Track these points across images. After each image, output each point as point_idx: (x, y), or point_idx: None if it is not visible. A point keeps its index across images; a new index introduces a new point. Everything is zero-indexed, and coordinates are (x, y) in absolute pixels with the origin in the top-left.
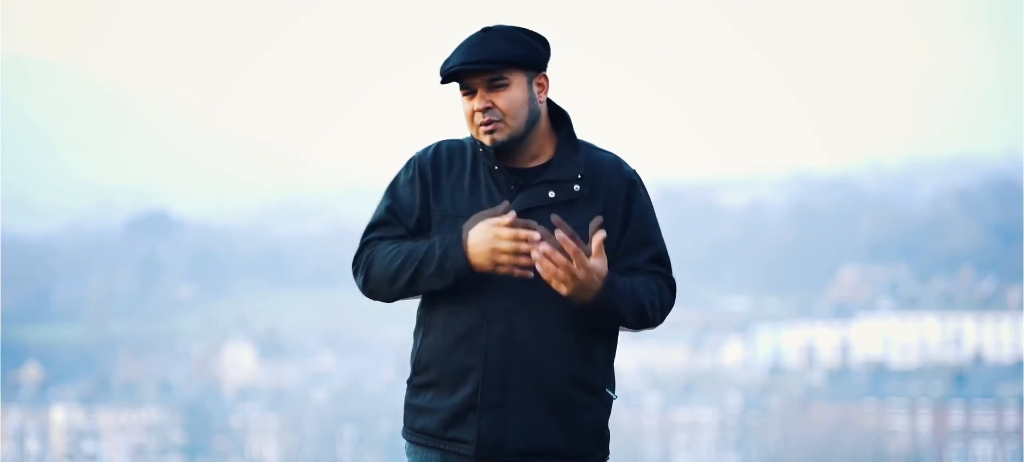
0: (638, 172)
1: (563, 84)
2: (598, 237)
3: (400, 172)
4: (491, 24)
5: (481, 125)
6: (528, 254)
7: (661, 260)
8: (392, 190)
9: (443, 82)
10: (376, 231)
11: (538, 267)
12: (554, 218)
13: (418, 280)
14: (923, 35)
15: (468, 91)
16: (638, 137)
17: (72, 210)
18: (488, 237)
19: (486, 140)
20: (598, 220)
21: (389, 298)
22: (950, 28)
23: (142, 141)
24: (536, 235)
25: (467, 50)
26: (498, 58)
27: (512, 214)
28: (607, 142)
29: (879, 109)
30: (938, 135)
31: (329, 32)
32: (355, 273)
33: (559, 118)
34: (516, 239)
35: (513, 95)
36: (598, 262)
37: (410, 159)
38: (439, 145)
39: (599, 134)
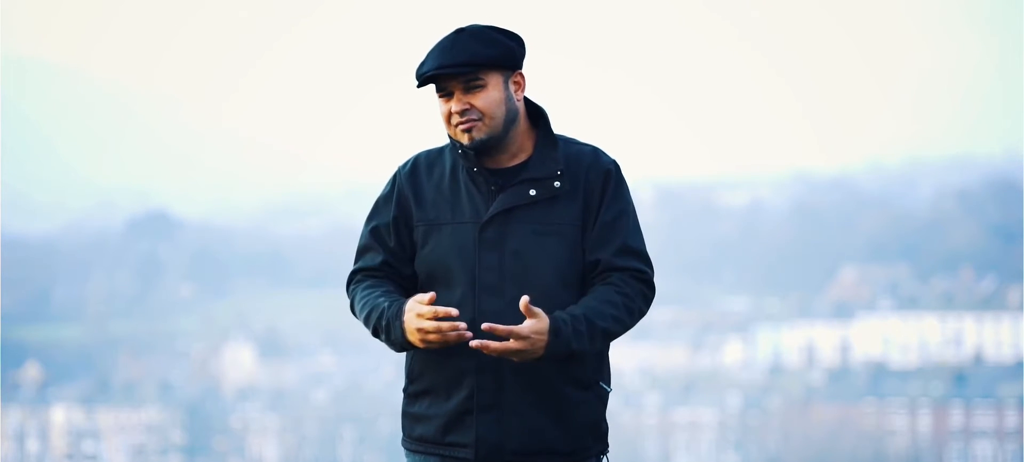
0: (618, 162)
1: (563, 84)
2: (523, 302)
3: (382, 191)
4: (465, 25)
5: (458, 125)
6: (456, 331)
7: (629, 251)
8: (375, 210)
9: (419, 86)
10: (363, 258)
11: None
12: (484, 327)
13: (379, 337)
14: (923, 35)
15: (445, 93)
16: (638, 137)
17: (72, 210)
18: (413, 325)
19: (464, 138)
20: (524, 299)
21: None
22: (950, 28)
23: (142, 141)
24: (454, 312)
25: (441, 53)
26: (472, 60)
27: (431, 295)
28: (608, 142)
29: (879, 109)
30: (938, 135)
31: (329, 32)
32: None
33: (537, 115)
34: (438, 328)
35: (490, 96)
36: (531, 324)
37: (393, 174)
38: (417, 157)
39: (599, 134)
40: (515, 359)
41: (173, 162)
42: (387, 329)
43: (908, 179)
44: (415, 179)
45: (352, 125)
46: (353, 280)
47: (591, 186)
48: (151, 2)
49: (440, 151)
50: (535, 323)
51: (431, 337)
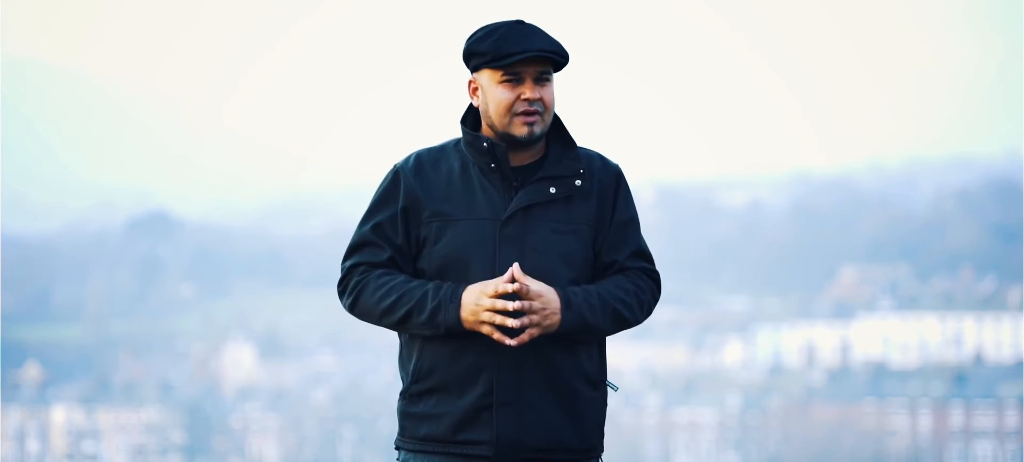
0: (621, 167)
1: (563, 84)
2: (513, 269)
3: (382, 186)
4: (523, 20)
5: (523, 114)
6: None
7: (642, 254)
8: (375, 207)
9: (504, 64)
10: (361, 253)
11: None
12: (512, 287)
13: (407, 323)
14: (923, 35)
15: (516, 80)
16: (638, 137)
17: (72, 210)
18: (478, 302)
19: (524, 131)
20: (515, 267)
21: (375, 324)
22: (950, 28)
23: (142, 141)
24: (513, 287)
25: (533, 38)
26: (565, 55)
27: (515, 271)
28: (608, 142)
29: (879, 109)
30: (938, 135)
31: (329, 32)
32: (341, 295)
33: None
34: (497, 307)
35: (552, 90)
36: (540, 287)
37: (391, 170)
38: (419, 153)
39: (599, 134)
40: (536, 332)
41: (173, 162)
42: (432, 311)
43: (908, 179)
44: (421, 174)
45: (352, 125)
46: (354, 273)
47: (604, 189)
48: (151, 2)
49: (441, 148)
50: (538, 285)
51: (485, 319)
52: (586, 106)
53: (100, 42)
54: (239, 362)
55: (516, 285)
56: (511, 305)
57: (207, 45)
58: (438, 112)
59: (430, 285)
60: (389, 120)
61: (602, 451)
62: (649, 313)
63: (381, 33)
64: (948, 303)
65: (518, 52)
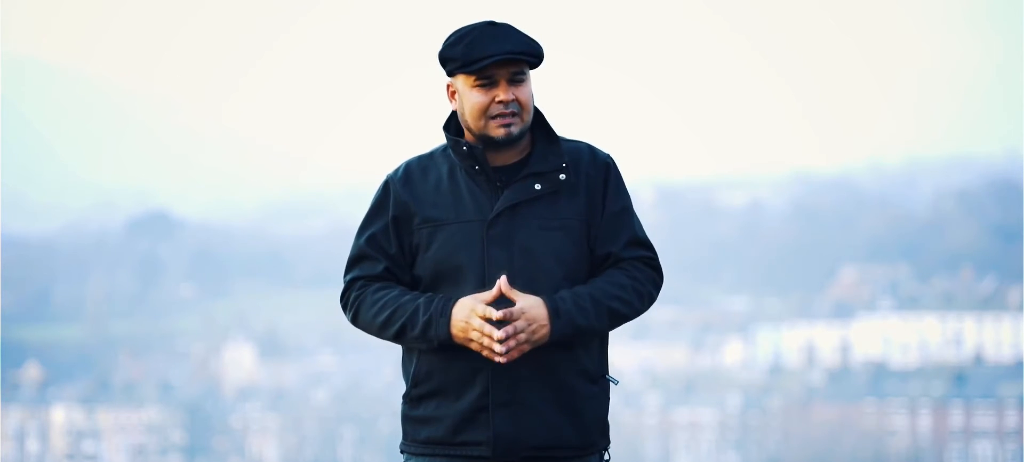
0: (612, 156)
1: (564, 83)
2: (500, 283)
3: (374, 198)
4: (495, 21)
5: (499, 116)
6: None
7: (638, 242)
8: (368, 219)
9: (479, 69)
10: (359, 267)
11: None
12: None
13: (403, 337)
14: (923, 35)
15: (489, 83)
16: (638, 137)
17: (72, 210)
18: (467, 320)
19: (500, 132)
20: (502, 281)
21: (377, 338)
22: (950, 28)
23: (142, 141)
24: (500, 329)
25: (508, 40)
26: (537, 53)
27: (502, 285)
28: (609, 142)
29: (879, 109)
30: (938, 135)
31: (329, 32)
32: (343, 309)
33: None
34: (485, 332)
35: (529, 90)
36: (526, 302)
37: (383, 181)
38: (408, 163)
39: (599, 134)
40: (527, 347)
41: (173, 162)
42: (424, 326)
43: (908, 179)
44: (410, 183)
45: (352, 125)
46: (353, 287)
47: (593, 181)
48: (151, 2)
49: (430, 155)
50: (525, 299)
51: (474, 338)
52: (586, 106)
53: (100, 42)
54: (239, 362)
55: (501, 313)
56: (497, 333)
57: (207, 45)
58: (438, 113)
59: (422, 299)
60: (389, 120)
61: (607, 445)
62: (651, 302)
63: (381, 33)
64: (948, 303)
65: (488, 56)
